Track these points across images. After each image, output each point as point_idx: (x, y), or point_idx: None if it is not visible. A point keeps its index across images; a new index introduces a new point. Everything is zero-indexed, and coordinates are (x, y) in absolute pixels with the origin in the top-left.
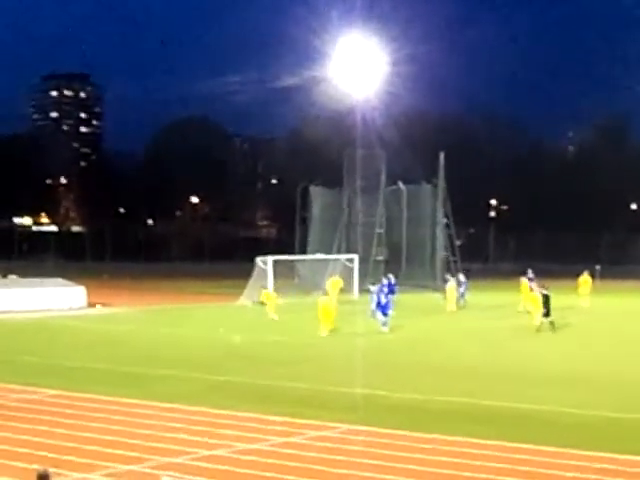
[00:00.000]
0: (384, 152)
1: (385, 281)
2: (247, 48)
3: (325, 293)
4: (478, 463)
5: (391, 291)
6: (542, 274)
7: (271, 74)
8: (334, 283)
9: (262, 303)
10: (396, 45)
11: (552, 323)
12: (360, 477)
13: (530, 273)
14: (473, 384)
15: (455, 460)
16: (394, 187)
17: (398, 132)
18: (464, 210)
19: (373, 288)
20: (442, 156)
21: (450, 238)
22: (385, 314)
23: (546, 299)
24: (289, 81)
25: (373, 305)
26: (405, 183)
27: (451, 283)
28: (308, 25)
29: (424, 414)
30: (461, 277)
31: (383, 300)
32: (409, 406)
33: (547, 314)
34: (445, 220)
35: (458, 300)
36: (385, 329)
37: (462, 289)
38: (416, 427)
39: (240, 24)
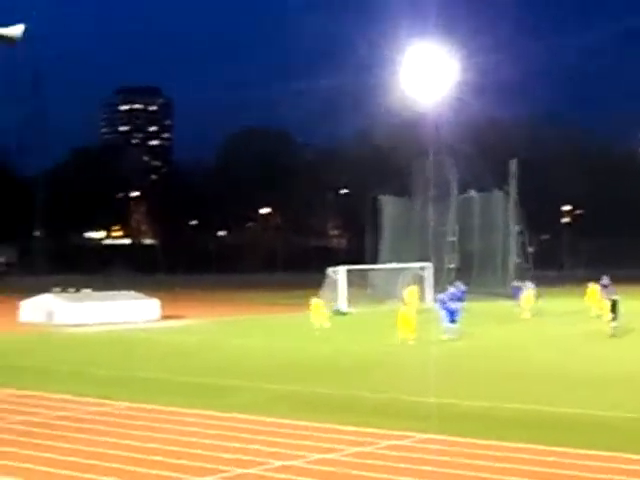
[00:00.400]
0: (454, 160)
1: (452, 289)
2: (315, 55)
3: (403, 302)
4: (551, 471)
5: (459, 299)
6: (617, 280)
7: (340, 81)
8: (411, 292)
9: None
10: (466, 52)
11: (615, 329)
12: None
13: (605, 279)
14: (546, 390)
15: (528, 468)
16: (465, 195)
17: (468, 139)
18: (537, 217)
19: (441, 296)
20: (513, 163)
21: (523, 245)
22: (453, 321)
23: (614, 305)
24: (358, 88)
25: (442, 314)
26: (476, 191)
27: (527, 290)
28: (377, 32)
29: (497, 422)
30: (529, 284)
31: (452, 306)
32: (482, 414)
33: (614, 319)
34: (517, 227)
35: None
36: (452, 336)
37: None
38: (489, 435)
39: (308, 31)
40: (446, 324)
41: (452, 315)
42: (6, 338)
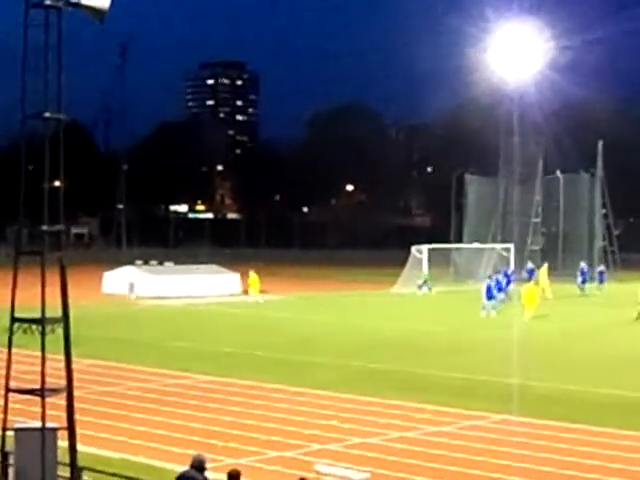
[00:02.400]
0: (542, 140)
1: (501, 275)
2: (404, 34)
3: (535, 281)
4: (629, 455)
5: (508, 282)
6: None
7: (428, 60)
8: (542, 274)
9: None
10: (554, 32)
11: None
12: (511, 467)
13: None
14: (628, 375)
15: (606, 452)
16: (551, 176)
17: (556, 120)
18: (624, 199)
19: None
20: (600, 144)
21: (608, 227)
22: (491, 297)
23: None
24: (446, 67)
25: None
26: (563, 172)
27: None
28: (466, 11)
29: (577, 405)
30: (601, 267)
31: (495, 290)
32: (562, 397)
33: None
34: (603, 210)
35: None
36: (492, 313)
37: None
38: (568, 418)
39: (398, 9)
40: (486, 301)
41: (490, 293)
42: (89, 309)
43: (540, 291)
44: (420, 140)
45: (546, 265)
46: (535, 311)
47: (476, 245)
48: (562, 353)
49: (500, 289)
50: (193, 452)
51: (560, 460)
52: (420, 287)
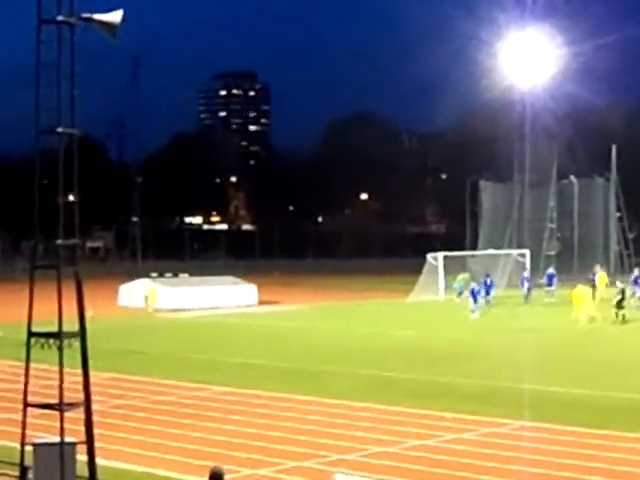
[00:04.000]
0: (555, 146)
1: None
2: (415, 41)
3: (593, 286)
4: None
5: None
6: None
7: (440, 67)
8: (601, 277)
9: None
10: (567, 37)
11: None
12: (532, 474)
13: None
14: None
15: (627, 457)
16: (565, 181)
17: (569, 125)
18: (638, 203)
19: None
20: (614, 149)
21: (623, 231)
22: (476, 300)
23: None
24: (458, 74)
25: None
26: (577, 177)
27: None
28: (478, 17)
29: (595, 410)
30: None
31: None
32: (580, 402)
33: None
34: (618, 214)
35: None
36: (474, 315)
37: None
38: (587, 423)
39: (409, 16)
40: (471, 303)
41: (475, 295)
42: (105, 322)
43: (597, 294)
44: (433, 147)
45: (598, 267)
46: (584, 313)
47: (491, 251)
48: (579, 357)
49: (488, 293)
50: (211, 464)
51: (584, 466)
52: (460, 293)
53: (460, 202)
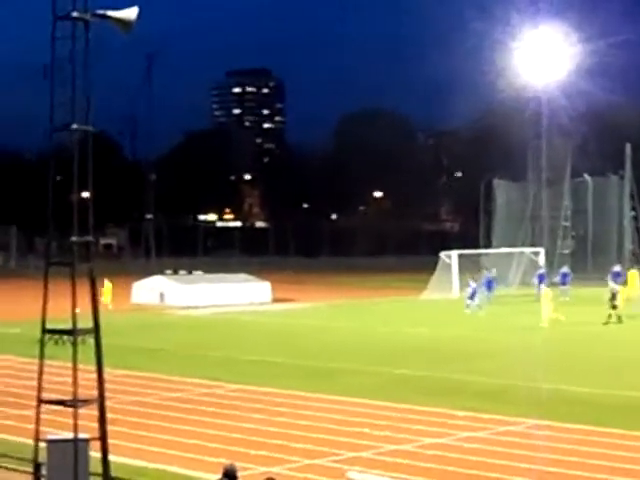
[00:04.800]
0: (569, 144)
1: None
2: (430, 38)
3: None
4: None
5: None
6: None
7: (455, 65)
8: (632, 275)
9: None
10: (581, 35)
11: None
12: (545, 472)
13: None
14: None
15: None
16: (580, 179)
17: (584, 123)
18: None
19: (473, 284)
20: (628, 147)
21: (638, 230)
22: (472, 299)
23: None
24: (473, 72)
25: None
26: (591, 175)
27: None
28: (493, 15)
29: (607, 409)
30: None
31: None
32: (592, 401)
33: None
34: (632, 212)
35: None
36: (475, 309)
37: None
38: (600, 422)
39: (424, 13)
40: (468, 301)
41: (473, 294)
42: (119, 319)
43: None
44: (448, 145)
45: (618, 266)
46: (546, 316)
47: (505, 250)
48: (592, 355)
49: (489, 289)
50: (225, 461)
51: (598, 465)
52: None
53: (474, 200)
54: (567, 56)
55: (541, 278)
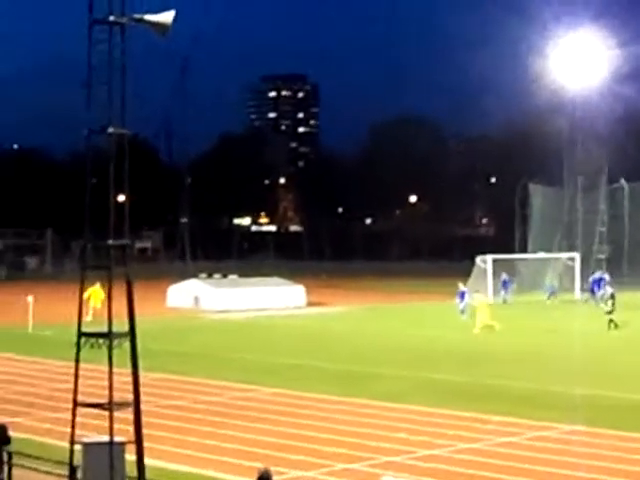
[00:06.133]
0: (606, 149)
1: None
2: (463, 43)
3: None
4: None
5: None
6: None
7: (489, 69)
8: None
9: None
10: (618, 40)
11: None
12: (580, 478)
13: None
14: None
15: None
16: (616, 184)
17: (620, 128)
18: None
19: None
20: None
21: None
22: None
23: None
24: (508, 77)
25: (462, 305)
26: (627, 180)
27: None
28: (528, 19)
29: None
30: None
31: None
32: (629, 406)
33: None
34: None
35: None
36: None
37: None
38: (637, 428)
39: (457, 19)
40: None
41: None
42: (154, 322)
43: None
44: (483, 150)
45: None
46: (480, 323)
47: (541, 255)
48: (627, 361)
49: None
50: (260, 465)
51: (634, 471)
52: (550, 296)
53: (509, 205)
54: (604, 60)
55: (597, 283)
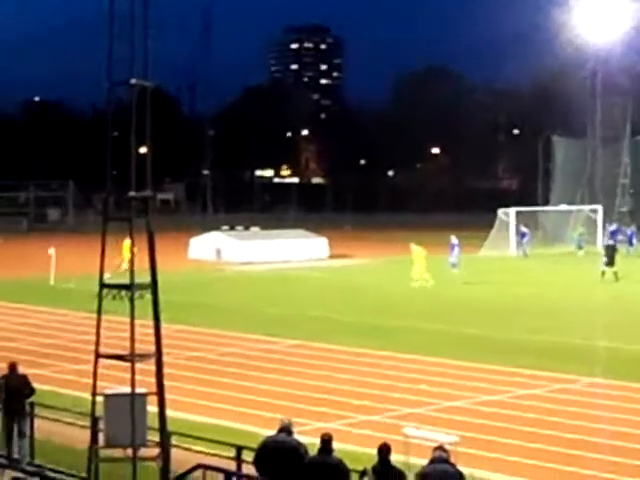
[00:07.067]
0: (629, 101)
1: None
2: None
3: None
4: None
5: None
6: None
7: (513, 22)
8: None
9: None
10: None
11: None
12: (605, 430)
13: None
14: None
15: None
16: (639, 137)
17: None
18: None
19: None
20: None
21: None
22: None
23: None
24: (531, 29)
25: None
26: None
27: None
28: None
29: None
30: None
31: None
32: None
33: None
34: None
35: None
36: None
37: None
38: None
39: None
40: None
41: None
42: (176, 275)
43: None
44: (506, 103)
45: None
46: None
47: (563, 207)
48: None
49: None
50: (281, 416)
51: None
52: (580, 247)
53: (533, 158)
54: (627, 13)
55: (613, 234)
